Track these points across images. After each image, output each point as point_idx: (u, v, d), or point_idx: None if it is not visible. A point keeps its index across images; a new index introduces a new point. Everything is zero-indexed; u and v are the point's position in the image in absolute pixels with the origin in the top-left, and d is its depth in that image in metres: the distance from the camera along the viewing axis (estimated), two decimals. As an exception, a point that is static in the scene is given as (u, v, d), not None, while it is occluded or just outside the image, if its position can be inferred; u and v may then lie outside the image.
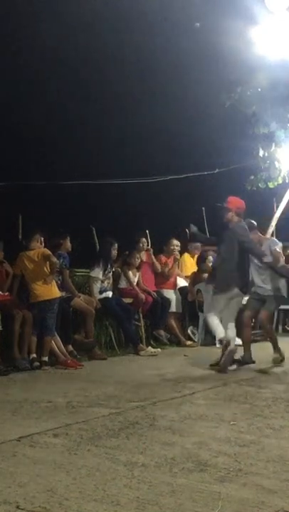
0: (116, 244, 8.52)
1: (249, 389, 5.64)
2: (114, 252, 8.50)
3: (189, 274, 9.85)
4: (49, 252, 7.25)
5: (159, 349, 8.46)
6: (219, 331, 6.87)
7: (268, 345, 9.17)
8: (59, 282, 7.66)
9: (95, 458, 3.47)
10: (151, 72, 13.10)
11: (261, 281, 7.23)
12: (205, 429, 4.14)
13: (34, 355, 6.96)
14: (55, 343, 7.15)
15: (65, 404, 4.91)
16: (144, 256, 9.23)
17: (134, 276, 8.84)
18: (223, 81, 11.67)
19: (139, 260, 8.93)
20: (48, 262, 7.17)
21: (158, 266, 9.42)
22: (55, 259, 7.20)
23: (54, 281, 7.31)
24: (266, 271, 7.21)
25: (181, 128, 12.79)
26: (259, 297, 7.25)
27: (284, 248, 11.63)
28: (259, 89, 11.48)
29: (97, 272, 8.25)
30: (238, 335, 7.17)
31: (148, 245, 9.45)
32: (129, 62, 12.88)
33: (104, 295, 8.30)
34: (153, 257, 9.44)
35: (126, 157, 13.91)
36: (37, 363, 6.88)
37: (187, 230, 11.79)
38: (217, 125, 12.25)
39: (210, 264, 8.96)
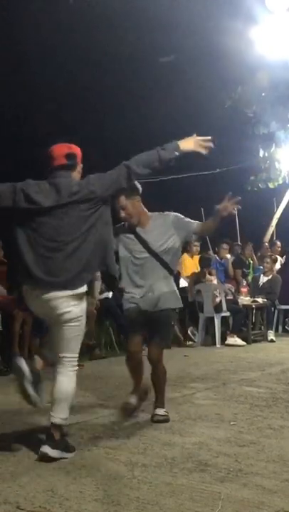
0: None
1: (249, 389, 5.63)
2: None
3: (189, 274, 9.85)
4: None
5: (159, 349, 8.44)
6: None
7: (267, 346, 9.20)
8: None
9: (95, 458, 3.47)
10: (151, 72, 13.09)
11: None
12: (205, 429, 4.14)
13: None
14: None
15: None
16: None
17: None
18: (224, 81, 11.67)
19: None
20: None
21: None
22: None
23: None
24: None
25: (181, 128, 12.77)
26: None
27: (284, 248, 11.74)
28: (259, 89, 11.51)
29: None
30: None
31: None
32: (130, 62, 12.87)
33: (104, 295, 8.30)
34: None
35: (126, 157, 13.91)
36: (37, 363, 6.86)
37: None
38: (217, 125, 12.23)
39: None
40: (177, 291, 4.59)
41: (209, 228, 4.59)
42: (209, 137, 3.99)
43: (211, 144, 3.99)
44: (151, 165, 3.82)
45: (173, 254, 4.47)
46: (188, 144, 3.95)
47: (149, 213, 4.49)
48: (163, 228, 4.42)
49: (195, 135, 3.98)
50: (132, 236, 4.41)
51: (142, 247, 4.38)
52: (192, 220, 4.55)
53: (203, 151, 3.98)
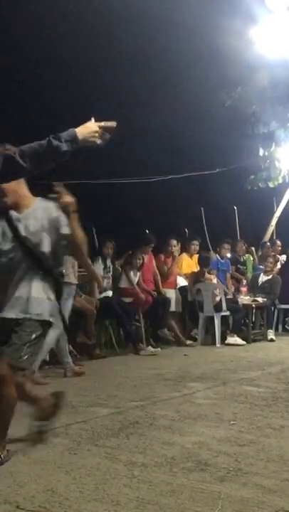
0: (110, 243, 8.53)
1: (249, 388, 5.63)
2: (108, 251, 8.50)
3: (188, 273, 9.85)
4: None
5: (159, 349, 8.46)
6: None
7: (266, 345, 9.20)
8: None
9: (95, 458, 3.47)
10: (151, 72, 13.09)
11: None
12: (205, 428, 4.14)
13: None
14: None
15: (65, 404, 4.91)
16: (146, 257, 9.15)
17: (135, 277, 8.81)
18: (224, 80, 11.67)
19: (142, 261, 8.89)
20: None
21: (156, 271, 9.36)
22: None
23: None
24: None
25: (181, 128, 12.79)
26: None
27: (284, 248, 11.75)
28: (259, 89, 11.52)
29: (98, 268, 8.22)
30: None
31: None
32: (130, 62, 12.88)
33: (104, 294, 8.29)
34: (154, 259, 9.42)
35: (126, 157, 13.92)
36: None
37: (186, 230, 11.84)
38: (217, 125, 12.24)
39: None
40: (52, 297, 3.51)
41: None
42: (111, 124, 3.11)
43: (108, 135, 3.12)
44: (40, 156, 2.85)
45: (51, 254, 3.50)
46: (88, 135, 3.02)
47: (33, 198, 3.62)
48: (40, 217, 3.51)
49: (92, 120, 3.11)
50: (3, 221, 3.51)
51: (12, 236, 3.46)
52: (68, 234, 3.50)
53: (100, 142, 3.07)
